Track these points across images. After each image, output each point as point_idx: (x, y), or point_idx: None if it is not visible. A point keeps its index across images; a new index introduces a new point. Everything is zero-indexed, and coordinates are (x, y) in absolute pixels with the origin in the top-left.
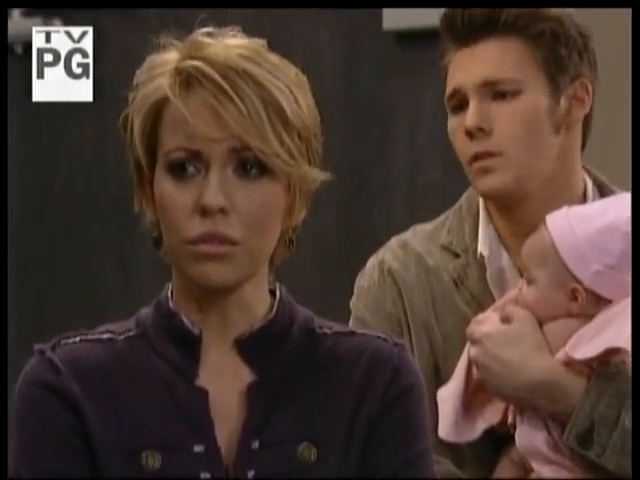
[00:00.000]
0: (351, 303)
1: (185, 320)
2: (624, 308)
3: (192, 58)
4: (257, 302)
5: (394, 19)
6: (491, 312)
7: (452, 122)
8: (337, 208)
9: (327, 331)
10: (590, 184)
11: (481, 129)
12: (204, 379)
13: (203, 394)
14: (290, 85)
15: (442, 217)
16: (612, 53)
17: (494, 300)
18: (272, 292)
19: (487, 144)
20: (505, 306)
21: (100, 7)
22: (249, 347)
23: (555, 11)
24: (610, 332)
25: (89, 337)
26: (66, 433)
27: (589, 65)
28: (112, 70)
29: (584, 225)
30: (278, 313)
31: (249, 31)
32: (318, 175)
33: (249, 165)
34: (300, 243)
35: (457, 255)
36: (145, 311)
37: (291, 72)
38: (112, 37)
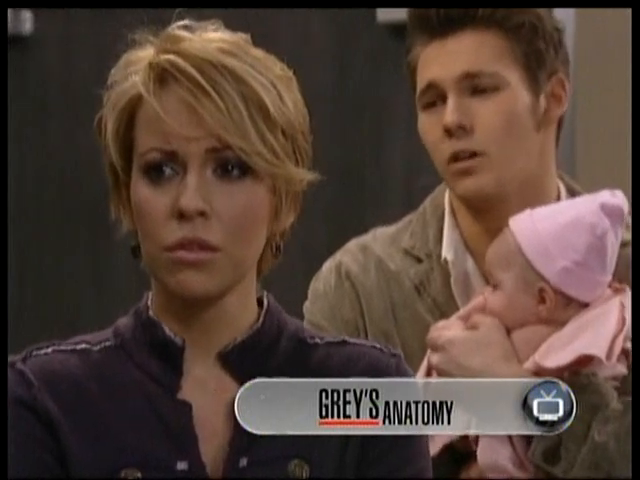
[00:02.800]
0: (304, 307)
1: (167, 330)
2: (600, 314)
3: (167, 52)
4: (243, 312)
5: (389, 10)
6: (454, 319)
7: (425, 119)
8: (327, 213)
9: (318, 341)
10: (564, 190)
11: (462, 127)
12: (187, 392)
13: (186, 408)
14: (274, 80)
15: (405, 220)
16: (612, 53)
17: (458, 308)
18: (260, 301)
19: (468, 143)
20: (470, 314)
21: (100, 7)
22: (234, 360)
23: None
24: (583, 339)
25: (62, 347)
26: (40, 451)
27: (563, 61)
28: (85, 68)
29: (548, 222)
30: (265, 323)
31: (235, 22)
32: (305, 175)
33: (230, 165)
34: (288, 250)
35: (420, 260)
36: (122, 321)
37: (275, 67)
38: (85, 33)
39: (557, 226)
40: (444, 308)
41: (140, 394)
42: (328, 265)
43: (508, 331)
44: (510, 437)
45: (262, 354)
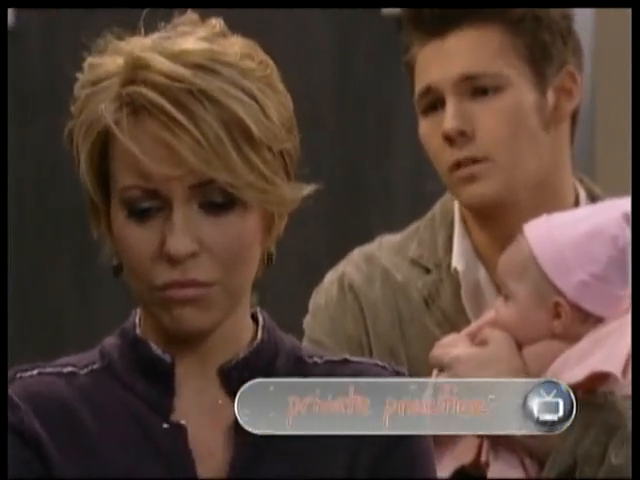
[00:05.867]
0: (305, 322)
1: (154, 347)
2: (616, 328)
3: (134, 82)
4: (239, 330)
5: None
6: (461, 335)
7: (425, 125)
8: (327, 219)
9: (317, 360)
10: (583, 194)
11: (462, 133)
12: (180, 414)
13: (181, 430)
14: (253, 90)
15: (412, 227)
16: (612, 53)
17: (469, 321)
18: (253, 317)
19: (470, 149)
20: (479, 330)
21: (100, 7)
22: (235, 377)
23: None
24: (598, 355)
25: (48, 370)
26: (29, 475)
27: (574, 51)
28: (68, 63)
29: (566, 230)
30: (264, 340)
31: (233, 19)
32: (298, 193)
33: (216, 198)
34: (285, 259)
35: (428, 270)
36: (109, 341)
37: (252, 65)
38: (67, 28)
39: (576, 235)
40: (454, 321)
41: (130, 417)
42: (330, 276)
43: (519, 345)
44: (522, 460)
45: (261, 372)
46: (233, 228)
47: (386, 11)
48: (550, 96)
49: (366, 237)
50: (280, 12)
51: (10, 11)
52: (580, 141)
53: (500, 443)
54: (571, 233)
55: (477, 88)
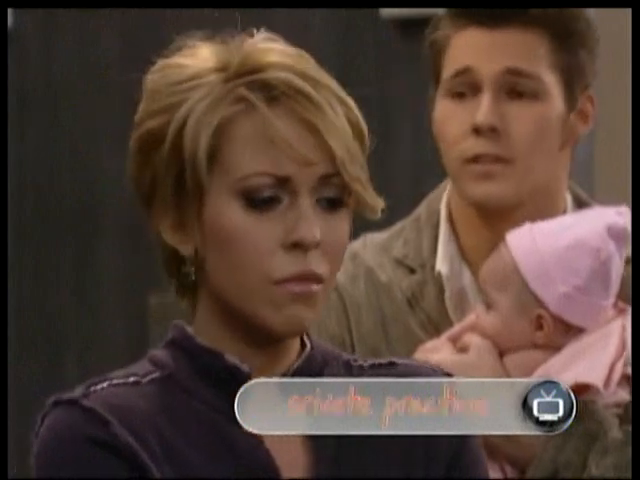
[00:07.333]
0: None
1: (229, 357)
2: (598, 339)
3: (262, 67)
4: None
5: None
6: (443, 340)
7: (447, 106)
8: None
9: (362, 363)
10: (570, 199)
11: (493, 129)
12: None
13: (259, 440)
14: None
15: (397, 226)
16: (612, 53)
17: (452, 324)
18: None
19: (495, 147)
20: (460, 334)
21: (100, 7)
22: None
23: (581, 10)
24: (580, 366)
25: (115, 382)
26: None
27: (594, 75)
28: (67, 63)
29: (549, 241)
30: (313, 348)
31: (231, 18)
32: (381, 204)
33: (332, 194)
34: None
35: (413, 271)
36: (159, 352)
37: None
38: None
39: (559, 247)
40: (438, 324)
41: (207, 426)
42: None
43: (500, 354)
44: (503, 467)
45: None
46: (341, 227)
47: (386, 14)
48: (573, 116)
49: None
50: (279, 13)
51: (9, 11)
52: (580, 145)
53: None
54: (554, 244)
55: (515, 87)
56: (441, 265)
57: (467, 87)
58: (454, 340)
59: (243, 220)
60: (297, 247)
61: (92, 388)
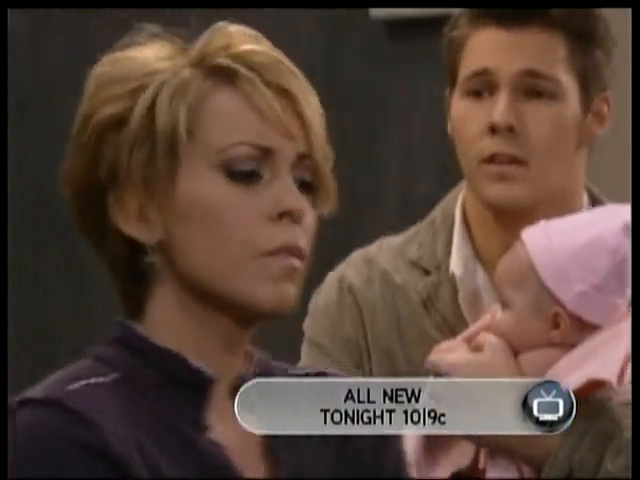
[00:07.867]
0: (304, 324)
1: (192, 361)
2: (613, 335)
3: (231, 49)
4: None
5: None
6: (459, 341)
7: (465, 106)
8: (324, 221)
9: (297, 372)
10: (585, 197)
11: (511, 128)
12: (218, 430)
13: (222, 448)
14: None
15: (412, 230)
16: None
17: (467, 326)
18: None
19: (511, 147)
20: (476, 334)
21: (101, 7)
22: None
23: (599, 11)
24: (594, 362)
25: (92, 381)
26: None
27: (611, 77)
28: (58, 64)
29: (565, 239)
30: (259, 355)
31: (218, 17)
32: (336, 200)
33: (305, 178)
34: None
35: (428, 272)
36: (108, 351)
37: None
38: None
39: (575, 245)
40: (453, 325)
41: (171, 430)
42: (330, 278)
43: (515, 352)
44: (519, 467)
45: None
46: (313, 212)
47: (375, 15)
48: (589, 118)
49: (354, 242)
50: (268, 13)
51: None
52: None
53: (496, 449)
54: (571, 242)
55: (533, 88)
56: (455, 267)
57: (484, 87)
58: (469, 341)
59: (225, 193)
60: (284, 217)
61: (68, 387)
